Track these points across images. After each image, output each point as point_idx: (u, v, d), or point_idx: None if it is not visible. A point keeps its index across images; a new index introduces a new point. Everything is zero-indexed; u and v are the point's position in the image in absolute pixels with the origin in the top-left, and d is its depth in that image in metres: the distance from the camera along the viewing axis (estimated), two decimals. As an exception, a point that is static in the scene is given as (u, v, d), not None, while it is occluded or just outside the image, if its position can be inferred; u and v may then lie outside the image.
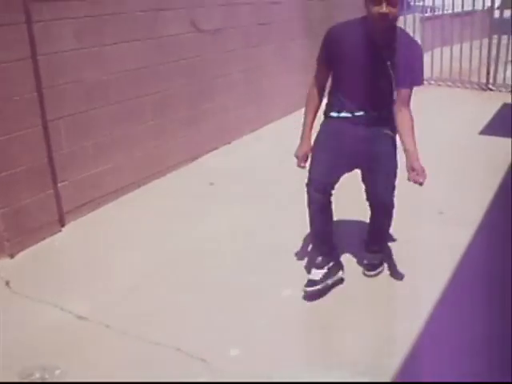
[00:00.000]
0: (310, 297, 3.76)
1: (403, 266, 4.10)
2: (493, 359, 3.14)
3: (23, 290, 3.97)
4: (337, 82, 3.65)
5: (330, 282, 3.83)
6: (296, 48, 8.24)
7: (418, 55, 3.55)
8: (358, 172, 3.83)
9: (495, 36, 10.29)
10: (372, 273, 4.05)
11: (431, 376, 3.03)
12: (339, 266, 3.96)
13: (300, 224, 4.70)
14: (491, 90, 10.29)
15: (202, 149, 6.56)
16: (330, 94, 3.75)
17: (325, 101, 3.78)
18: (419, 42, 10.18)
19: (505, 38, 10.01)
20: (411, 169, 3.37)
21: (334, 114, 3.68)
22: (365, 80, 3.46)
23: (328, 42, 3.57)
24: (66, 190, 4.87)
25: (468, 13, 11.43)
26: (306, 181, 3.77)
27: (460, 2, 10.84)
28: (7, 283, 4.05)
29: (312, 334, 3.48)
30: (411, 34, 3.80)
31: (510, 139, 6.84)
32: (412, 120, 3.52)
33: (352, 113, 3.62)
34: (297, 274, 4.08)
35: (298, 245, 4.47)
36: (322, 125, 3.79)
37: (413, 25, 10.46)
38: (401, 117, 3.51)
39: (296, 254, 4.35)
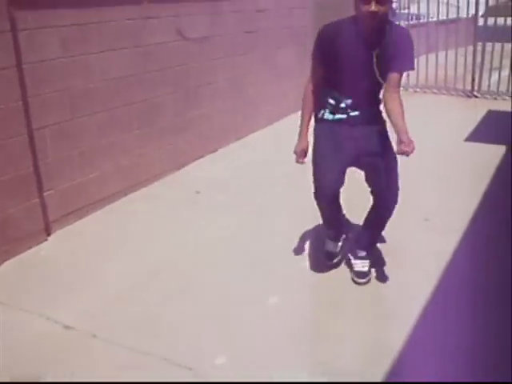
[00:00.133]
0: (329, 268, 3.99)
1: (389, 272, 4.12)
2: (478, 365, 3.15)
3: (8, 299, 3.95)
4: (329, 80, 3.69)
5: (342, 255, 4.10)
6: (282, 56, 8.27)
7: (407, 42, 3.57)
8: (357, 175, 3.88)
9: (480, 43, 10.37)
10: (363, 280, 4.06)
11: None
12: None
13: (286, 232, 4.73)
14: (476, 96, 10.36)
15: (188, 157, 6.55)
16: (321, 93, 3.77)
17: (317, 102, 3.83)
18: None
19: (489, 46, 10.08)
20: (399, 141, 3.35)
21: (328, 117, 3.73)
22: (357, 77, 3.54)
23: (321, 40, 3.61)
24: (51, 199, 4.86)
25: (453, 20, 11.54)
26: (312, 190, 3.84)
27: (445, 10, 10.90)
28: (-8, 293, 4.03)
29: (299, 342, 3.47)
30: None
31: (495, 146, 6.89)
32: (402, 105, 3.52)
33: (347, 113, 3.68)
34: (283, 282, 4.09)
35: (284, 252, 4.48)
36: (317, 128, 3.84)
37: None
38: (390, 101, 3.52)
39: (282, 262, 4.36)
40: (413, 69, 3.66)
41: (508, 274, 4.09)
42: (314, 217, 4.88)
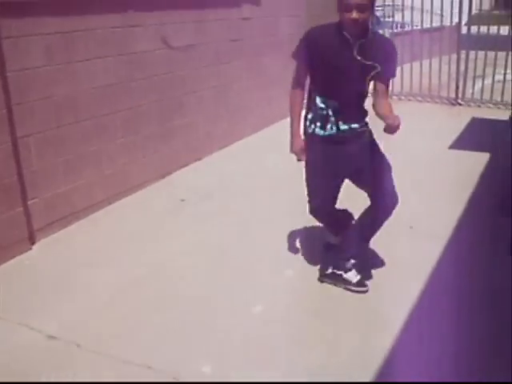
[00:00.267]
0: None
1: (374, 280, 4.13)
2: (464, 369, 3.16)
3: (-9, 309, 3.92)
4: (315, 82, 3.76)
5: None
6: (267, 64, 8.28)
7: (392, 51, 3.67)
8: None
9: (463, 51, 10.43)
10: (366, 288, 4.07)
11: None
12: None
13: (271, 240, 4.73)
14: (460, 104, 10.43)
15: (173, 165, 6.54)
16: (309, 102, 3.82)
17: (304, 112, 3.87)
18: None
19: (473, 54, 10.14)
20: (385, 118, 3.48)
21: (319, 133, 3.76)
22: (342, 79, 3.61)
23: (308, 42, 3.69)
24: (36, 208, 4.83)
25: (437, 29, 11.61)
26: (308, 209, 4.02)
27: (429, 19, 10.96)
28: (-25, 302, 4.00)
29: (284, 350, 3.47)
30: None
31: (479, 153, 6.94)
32: (391, 109, 3.61)
33: (337, 127, 3.72)
34: (268, 291, 4.09)
35: (269, 261, 4.49)
36: (308, 144, 3.87)
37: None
38: (381, 107, 3.60)
39: (267, 270, 4.36)
40: (394, 76, 3.77)
41: (491, 280, 4.13)
42: (299, 225, 4.91)
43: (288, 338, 3.59)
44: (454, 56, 10.49)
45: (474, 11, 10.79)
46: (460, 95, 10.50)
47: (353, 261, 4.11)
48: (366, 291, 4.03)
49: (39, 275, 4.41)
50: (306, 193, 4.02)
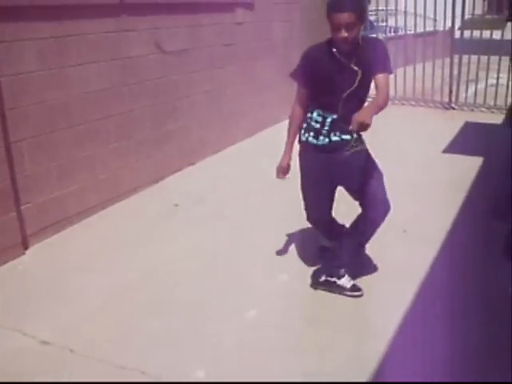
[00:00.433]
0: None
1: (368, 283, 4.13)
2: (457, 373, 3.16)
3: (-16, 314, 3.91)
4: (315, 99, 3.84)
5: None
6: (261, 69, 8.29)
7: (381, 48, 3.76)
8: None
9: (456, 55, 10.47)
10: (360, 292, 4.07)
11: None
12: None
13: (265, 244, 4.73)
14: (454, 108, 10.45)
15: (166, 170, 6.54)
16: (308, 111, 3.90)
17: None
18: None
19: (466, 58, 10.17)
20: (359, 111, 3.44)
21: (312, 141, 3.85)
22: (339, 93, 3.68)
23: (306, 62, 3.81)
24: (29, 213, 4.82)
25: (430, 33, 11.65)
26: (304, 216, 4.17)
27: (422, 23, 10.99)
28: (-32, 308, 3.98)
29: (278, 355, 3.47)
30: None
31: (472, 157, 6.95)
32: (383, 101, 3.59)
33: (329, 138, 3.79)
34: (262, 295, 4.08)
35: (262, 265, 4.49)
36: (302, 153, 3.96)
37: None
38: (376, 97, 3.60)
39: (261, 275, 4.36)
40: (391, 72, 3.76)
41: (485, 283, 4.14)
42: (292, 229, 4.91)
43: (282, 342, 3.58)
44: (448, 60, 10.52)
45: (466, 16, 10.84)
46: (453, 99, 10.52)
47: (345, 268, 4.11)
48: (361, 295, 4.03)
49: (32, 280, 4.39)
50: (299, 197, 4.07)
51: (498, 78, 9.90)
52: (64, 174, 5.15)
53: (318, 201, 4.06)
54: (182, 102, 6.72)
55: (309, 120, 3.86)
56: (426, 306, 3.90)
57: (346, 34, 3.49)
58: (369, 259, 4.43)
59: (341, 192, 4.04)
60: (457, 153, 7.33)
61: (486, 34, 10.14)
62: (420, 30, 11.33)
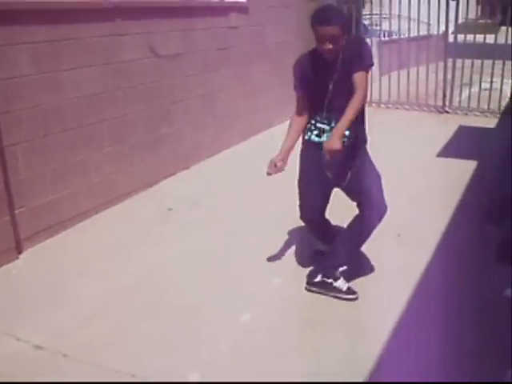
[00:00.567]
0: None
1: (362, 287, 4.13)
2: (452, 375, 3.16)
3: (-22, 319, 3.89)
4: (313, 104, 3.95)
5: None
6: (255, 72, 8.30)
7: (357, 45, 3.86)
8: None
9: (450, 59, 10.49)
10: (356, 295, 4.06)
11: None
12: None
13: (259, 248, 4.72)
14: (447, 112, 10.47)
15: (160, 174, 6.53)
16: (309, 118, 4.01)
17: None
18: (377, 65, 10.37)
19: (459, 62, 10.19)
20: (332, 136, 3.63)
21: (314, 139, 3.95)
22: (333, 97, 3.81)
23: (296, 72, 3.98)
24: (23, 217, 4.80)
25: (424, 37, 11.67)
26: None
27: (416, 27, 11.01)
28: (-39, 313, 3.97)
29: (272, 358, 3.46)
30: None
31: (466, 161, 6.97)
32: (359, 100, 3.69)
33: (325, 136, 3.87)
34: (256, 299, 4.08)
35: (257, 269, 4.48)
36: (303, 150, 4.08)
37: (370, 49, 10.58)
38: (352, 98, 3.69)
39: (255, 279, 4.35)
40: (372, 64, 3.84)
41: (479, 286, 4.14)
42: (287, 233, 4.91)
43: (276, 346, 3.58)
44: (441, 64, 10.54)
45: (460, 20, 10.87)
46: (447, 103, 10.55)
47: (341, 269, 4.11)
48: (356, 298, 4.03)
49: (26, 285, 4.38)
50: (294, 201, 4.08)
51: (491, 82, 9.93)
52: (58, 178, 5.14)
53: (312, 198, 4.08)
54: (176, 106, 6.72)
55: (313, 121, 3.94)
56: (420, 308, 3.91)
57: (330, 46, 3.64)
58: (364, 262, 4.43)
59: (340, 194, 4.04)
60: (451, 156, 7.34)
61: (480, 38, 10.18)
62: (414, 34, 11.36)
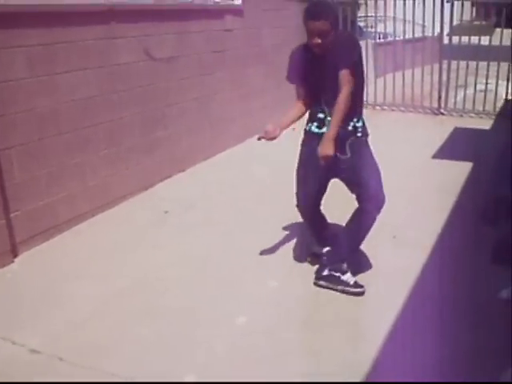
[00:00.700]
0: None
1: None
2: (448, 377, 3.17)
3: (-27, 323, 3.88)
4: (310, 95, 4.09)
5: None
6: (250, 75, 8.31)
7: (347, 40, 3.97)
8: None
9: (445, 61, 10.50)
10: (363, 289, 4.10)
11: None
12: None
13: (255, 251, 4.72)
14: (443, 114, 10.49)
15: (156, 177, 6.52)
16: (311, 109, 4.15)
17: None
18: (372, 67, 10.40)
19: (455, 63, 10.22)
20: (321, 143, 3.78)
21: (314, 130, 4.06)
22: (326, 89, 3.92)
23: (291, 62, 4.14)
24: (18, 220, 4.79)
25: (419, 39, 11.71)
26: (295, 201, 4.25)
27: (411, 29, 11.03)
28: (-43, 316, 3.96)
29: (268, 361, 3.46)
30: (364, 60, 4.25)
31: (461, 162, 6.98)
32: (343, 98, 3.77)
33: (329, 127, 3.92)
34: (252, 302, 4.08)
35: (252, 272, 4.48)
36: (303, 140, 4.19)
37: (365, 51, 10.58)
38: (337, 101, 3.78)
39: (251, 281, 4.36)
40: (355, 60, 3.87)
41: (474, 288, 4.15)
42: (283, 235, 4.91)
43: (272, 348, 3.58)
44: (437, 66, 10.55)
45: (455, 22, 10.89)
46: (442, 105, 10.57)
47: (346, 260, 4.17)
48: (363, 292, 4.07)
49: (21, 288, 4.37)
50: (290, 203, 4.10)
51: (486, 84, 9.96)
52: (53, 182, 5.13)
53: (309, 185, 4.14)
54: (171, 109, 6.72)
55: (313, 111, 4.07)
56: (416, 310, 3.91)
57: (319, 41, 3.77)
58: (360, 263, 4.42)
59: (337, 196, 4.05)
60: (446, 158, 7.36)
61: (475, 39, 10.21)
62: (409, 35, 11.36)
